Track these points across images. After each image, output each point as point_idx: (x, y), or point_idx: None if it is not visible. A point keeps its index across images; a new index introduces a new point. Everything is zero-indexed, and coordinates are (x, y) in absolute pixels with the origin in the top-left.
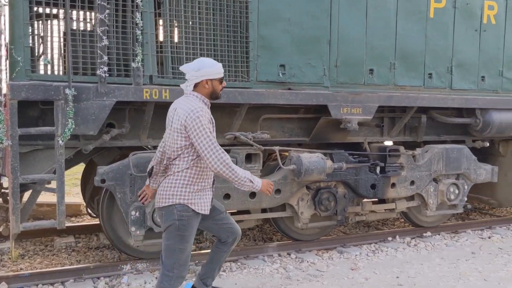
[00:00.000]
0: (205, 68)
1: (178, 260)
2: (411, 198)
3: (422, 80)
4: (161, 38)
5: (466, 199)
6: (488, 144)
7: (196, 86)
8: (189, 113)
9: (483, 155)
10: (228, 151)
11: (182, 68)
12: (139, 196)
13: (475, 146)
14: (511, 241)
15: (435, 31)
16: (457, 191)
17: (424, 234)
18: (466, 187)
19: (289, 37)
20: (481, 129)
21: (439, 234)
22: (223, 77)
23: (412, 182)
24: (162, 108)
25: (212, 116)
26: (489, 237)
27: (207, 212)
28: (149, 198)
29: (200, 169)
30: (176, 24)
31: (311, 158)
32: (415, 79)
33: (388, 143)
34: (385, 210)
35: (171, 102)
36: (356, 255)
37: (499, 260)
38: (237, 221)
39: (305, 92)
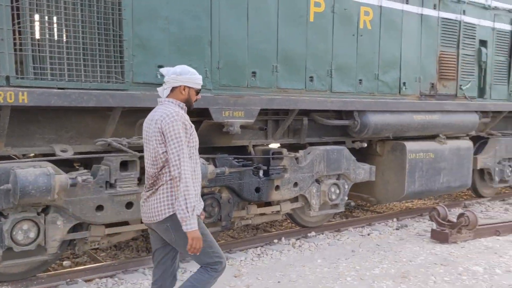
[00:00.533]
0: (187, 75)
1: (214, 252)
2: (295, 199)
3: (303, 83)
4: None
5: (347, 198)
6: (366, 145)
7: (172, 90)
8: (165, 118)
9: (362, 155)
10: (101, 159)
11: (162, 70)
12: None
13: (354, 147)
14: (388, 237)
15: (315, 35)
16: (338, 191)
17: (309, 234)
18: (346, 186)
19: (167, 37)
20: (359, 130)
21: (323, 234)
22: (200, 90)
23: (296, 184)
24: (26, 113)
25: (190, 121)
26: (369, 234)
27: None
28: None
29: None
30: (37, 19)
31: None
32: (297, 82)
33: (275, 145)
34: (271, 212)
35: (33, 107)
36: (241, 260)
37: (375, 257)
38: (114, 234)
39: None
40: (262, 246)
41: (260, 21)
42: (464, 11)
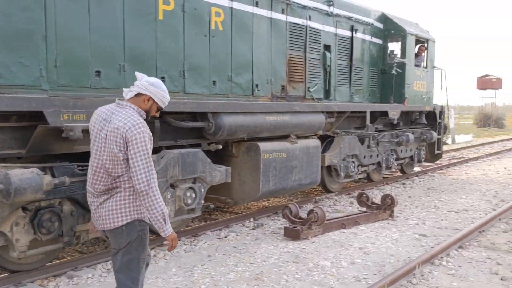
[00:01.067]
0: (158, 88)
1: (141, 269)
2: None
3: None
4: None
5: (203, 201)
6: (221, 146)
7: (137, 96)
8: (131, 127)
9: (219, 157)
10: None
11: (138, 74)
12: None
13: (210, 149)
14: (244, 238)
15: (166, 34)
16: (194, 195)
17: (165, 242)
18: (202, 190)
19: None
20: (214, 132)
21: (179, 240)
22: (162, 109)
23: None
24: None
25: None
26: (226, 237)
27: None
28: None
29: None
30: None
31: (24, 175)
32: None
33: None
34: None
35: None
36: (88, 277)
37: (231, 261)
38: None
39: (14, 96)
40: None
41: (104, 15)
42: (310, 17)
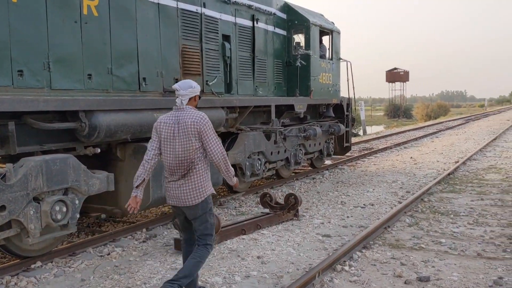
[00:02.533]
0: (197, 87)
1: (212, 228)
2: (7, 226)
3: (9, 78)
4: None
5: (78, 215)
6: (99, 150)
7: (188, 100)
8: (200, 120)
9: (104, 162)
10: None
11: (176, 86)
12: (128, 207)
13: (87, 153)
14: (130, 254)
15: (22, 20)
16: (65, 209)
17: (33, 266)
18: (77, 202)
19: None
20: (89, 133)
21: (52, 262)
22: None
23: (3, 208)
24: None
25: None
26: (109, 254)
27: None
28: (137, 208)
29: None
30: None
31: None
32: (0, 77)
33: None
34: None
35: None
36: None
37: (107, 285)
38: None
39: None
40: None
41: None
42: (204, 4)
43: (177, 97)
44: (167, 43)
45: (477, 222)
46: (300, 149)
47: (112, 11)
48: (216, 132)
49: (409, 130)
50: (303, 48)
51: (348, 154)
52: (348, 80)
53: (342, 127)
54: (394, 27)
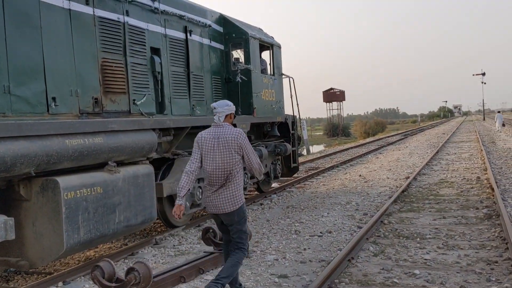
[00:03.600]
0: (231, 106)
1: (247, 234)
2: None
3: None
4: None
5: None
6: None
7: (225, 117)
8: (239, 135)
9: (3, 202)
10: None
11: (215, 104)
12: (173, 214)
13: None
14: None
15: None
16: None
17: None
18: None
19: None
20: None
21: None
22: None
23: None
24: None
25: None
26: None
27: None
28: (181, 215)
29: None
30: None
31: None
32: None
33: None
34: None
35: None
36: None
37: None
38: None
39: None
40: None
41: None
42: (127, 12)
43: (215, 114)
44: (82, 57)
45: (447, 245)
46: (245, 173)
47: (8, 17)
48: (148, 159)
49: (352, 148)
50: (243, 63)
51: (295, 175)
52: (291, 97)
53: (289, 146)
54: (328, 48)
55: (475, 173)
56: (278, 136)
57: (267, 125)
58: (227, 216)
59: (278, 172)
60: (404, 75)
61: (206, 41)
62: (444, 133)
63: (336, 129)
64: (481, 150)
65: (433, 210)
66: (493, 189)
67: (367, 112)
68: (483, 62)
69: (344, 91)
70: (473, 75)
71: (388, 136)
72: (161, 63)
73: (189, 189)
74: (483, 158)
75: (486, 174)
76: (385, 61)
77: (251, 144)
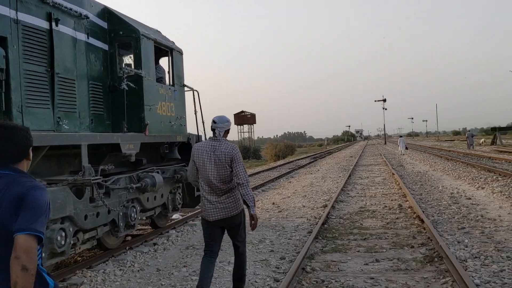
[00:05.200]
0: (230, 121)
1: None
2: None
3: None
4: None
5: None
6: None
7: (224, 132)
8: (233, 150)
9: None
10: None
11: (216, 119)
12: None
13: None
14: None
15: None
16: None
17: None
18: None
19: None
20: None
21: None
22: None
23: None
24: None
25: None
26: None
27: None
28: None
29: None
30: None
31: None
32: None
33: None
34: None
35: None
36: None
37: None
38: None
39: None
40: None
41: None
42: None
43: (215, 129)
44: None
45: None
46: (134, 206)
47: None
48: None
49: (263, 171)
50: (132, 67)
51: (199, 205)
52: (195, 113)
53: None
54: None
55: (395, 199)
56: (179, 159)
57: (164, 146)
58: (232, 219)
59: (178, 203)
60: (311, 100)
61: (81, 36)
62: (351, 156)
63: (247, 152)
64: (393, 174)
65: (362, 249)
66: (422, 221)
67: (277, 135)
68: (381, 89)
69: (255, 114)
70: (375, 101)
71: (298, 159)
72: (6, 57)
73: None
74: (397, 183)
75: (407, 201)
76: (293, 86)
77: (140, 169)
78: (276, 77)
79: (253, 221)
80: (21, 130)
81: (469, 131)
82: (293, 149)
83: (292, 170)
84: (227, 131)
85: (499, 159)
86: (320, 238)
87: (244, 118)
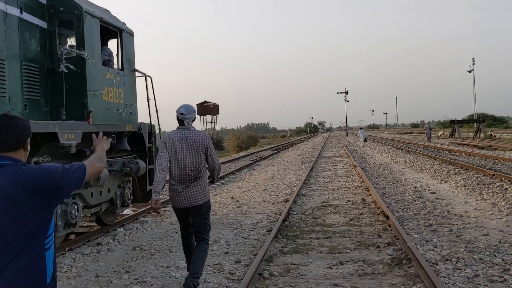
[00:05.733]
0: (195, 110)
1: (210, 227)
2: None
3: None
4: None
5: None
6: None
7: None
8: (206, 137)
9: None
10: None
11: (183, 110)
12: (154, 210)
13: None
14: None
15: None
16: None
17: None
18: None
19: None
20: None
21: None
22: None
23: None
24: None
25: None
26: None
27: None
28: (159, 207)
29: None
30: None
31: None
32: None
33: None
34: None
35: None
36: None
37: None
38: None
39: None
40: None
41: None
42: None
43: (182, 120)
44: None
45: None
46: (75, 203)
47: None
48: None
49: (224, 163)
50: (74, 48)
51: None
52: (148, 101)
53: (143, 164)
54: (204, 59)
55: (358, 193)
56: (128, 150)
57: (112, 136)
58: (197, 208)
59: (128, 198)
60: (274, 91)
61: (13, 10)
62: (314, 148)
63: None
64: (355, 166)
65: (325, 249)
66: (387, 217)
67: (240, 126)
68: (344, 83)
69: (218, 105)
70: (338, 93)
71: (261, 150)
72: None
73: (163, 185)
74: (360, 175)
75: (370, 195)
76: (256, 76)
77: (82, 161)
78: (241, 68)
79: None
80: (21, 120)
81: (427, 123)
82: (256, 140)
83: (254, 162)
84: (193, 120)
85: (459, 152)
86: (280, 237)
87: (207, 109)
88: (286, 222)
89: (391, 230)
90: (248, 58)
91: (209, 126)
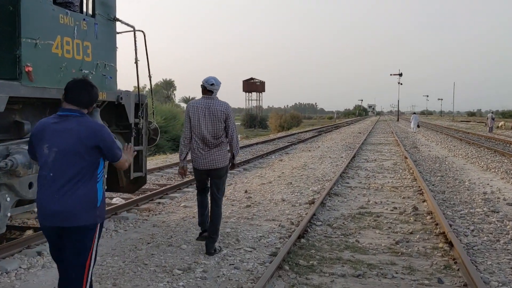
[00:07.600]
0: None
1: (224, 192)
2: None
3: None
4: None
5: None
6: None
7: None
8: (227, 108)
9: None
10: None
11: (213, 80)
12: (181, 174)
13: None
14: None
15: None
16: None
17: None
18: None
19: None
20: None
21: None
22: None
23: None
24: None
25: None
26: None
27: None
28: (186, 174)
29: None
30: None
31: None
32: None
33: None
34: None
35: None
36: None
37: None
38: None
39: None
40: None
41: None
42: None
43: (212, 90)
44: None
45: None
46: (5, 194)
47: None
48: None
49: (257, 143)
50: None
51: (145, 187)
52: (136, 62)
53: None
54: (250, 33)
55: (408, 197)
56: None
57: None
58: (217, 171)
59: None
60: (324, 72)
61: None
62: (360, 132)
63: (254, 121)
64: (406, 157)
65: None
66: (450, 244)
67: (287, 106)
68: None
69: (264, 82)
70: (391, 74)
71: (302, 132)
72: None
73: (187, 152)
74: (411, 170)
75: (424, 202)
76: (308, 58)
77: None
78: (290, 42)
79: (234, 167)
80: (97, 88)
81: (491, 112)
82: (299, 121)
83: (290, 145)
84: (218, 91)
85: None
86: (287, 268)
87: (253, 86)
88: (302, 240)
89: (458, 269)
90: (298, 37)
91: (254, 104)
